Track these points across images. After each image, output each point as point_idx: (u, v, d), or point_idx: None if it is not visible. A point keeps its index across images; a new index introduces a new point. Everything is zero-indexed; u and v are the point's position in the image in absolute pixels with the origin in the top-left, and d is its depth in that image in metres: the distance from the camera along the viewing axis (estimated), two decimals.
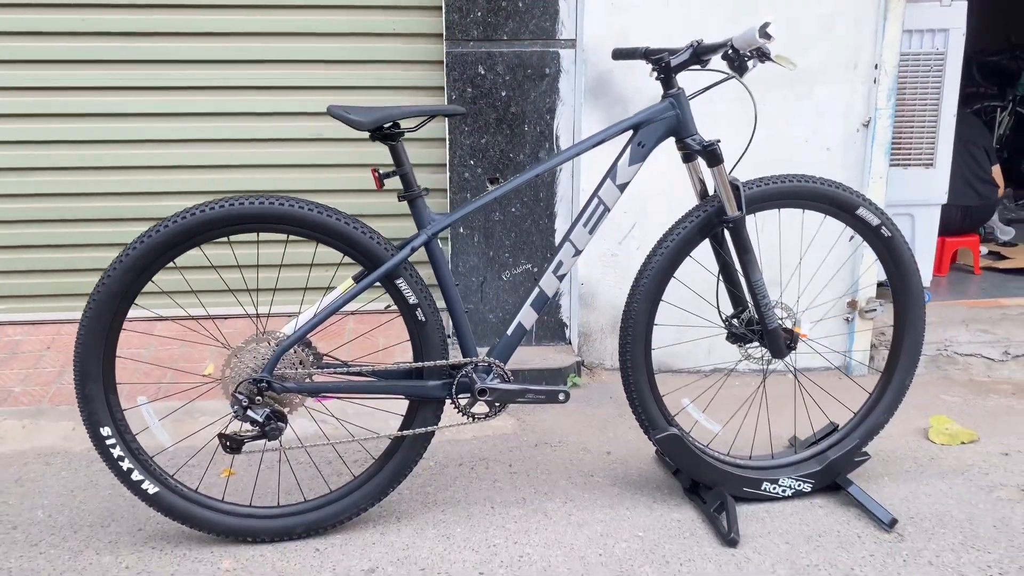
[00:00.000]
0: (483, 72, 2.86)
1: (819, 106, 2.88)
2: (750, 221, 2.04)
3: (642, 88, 2.81)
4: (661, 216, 2.89)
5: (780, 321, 2.06)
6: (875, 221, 2.06)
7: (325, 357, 1.97)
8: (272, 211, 1.82)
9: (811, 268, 2.85)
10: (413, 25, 3.00)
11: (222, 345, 2.03)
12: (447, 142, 2.93)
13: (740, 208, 1.95)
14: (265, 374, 1.84)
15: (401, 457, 1.99)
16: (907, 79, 3.34)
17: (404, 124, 1.87)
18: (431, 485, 2.26)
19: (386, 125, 1.82)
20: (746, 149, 2.01)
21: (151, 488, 1.91)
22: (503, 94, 2.88)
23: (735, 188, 1.95)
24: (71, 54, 2.94)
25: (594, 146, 1.93)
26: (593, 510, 2.12)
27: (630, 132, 1.96)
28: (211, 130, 3.05)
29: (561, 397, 1.99)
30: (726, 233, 2.00)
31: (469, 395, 1.96)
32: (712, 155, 1.93)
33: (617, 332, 2.78)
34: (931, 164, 3.42)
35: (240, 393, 1.85)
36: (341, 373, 1.95)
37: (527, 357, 2.99)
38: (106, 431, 1.87)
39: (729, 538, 1.95)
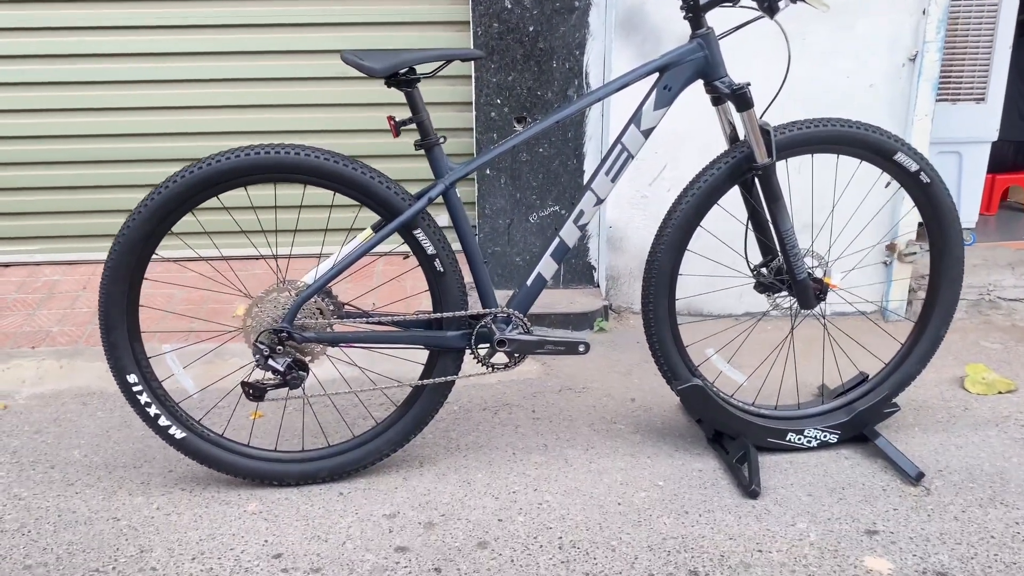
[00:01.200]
0: (510, 6, 2.76)
1: (863, 40, 2.74)
2: (780, 165, 1.96)
3: (676, 23, 2.69)
4: (693, 158, 2.80)
5: (810, 271, 2.00)
6: (914, 167, 1.96)
7: (347, 306, 1.97)
8: (287, 161, 1.79)
9: (847, 212, 2.76)
10: None
11: (244, 294, 2.04)
12: (473, 80, 2.86)
13: (770, 154, 1.88)
14: (285, 324, 1.85)
15: (422, 405, 2.00)
16: (960, 9, 3.15)
17: (420, 69, 1.81)
18: (455, 430, 2.28)
19: (401, 71, 1.77)
20: (778, 92, 1.92)
21: (178, 433, 1.95)
22: (531, 29, 2.78)
23: (765, 133, 1.87)
24: None
25: (617, 90, 1.86)
26: (614, 458, 2.13)
27: (656, 75, 1.88)
28: (231, 70, 3.01)
29: (581, 349, 1.97)
30: (755, 180, 1.93)
31: (488, 345, 1.95)
32: (741, 99, 1.84)
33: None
34: (982, 99, 3.24)
35: (261, 343, 1.86)
36: (361, 323, 1.95)
37: (554, 300, 2.97)
38: (133, 378, 1.90)
39: (750, 489, 1.94)
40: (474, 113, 2.89)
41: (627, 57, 2.73)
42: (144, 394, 1.92)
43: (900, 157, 1.96)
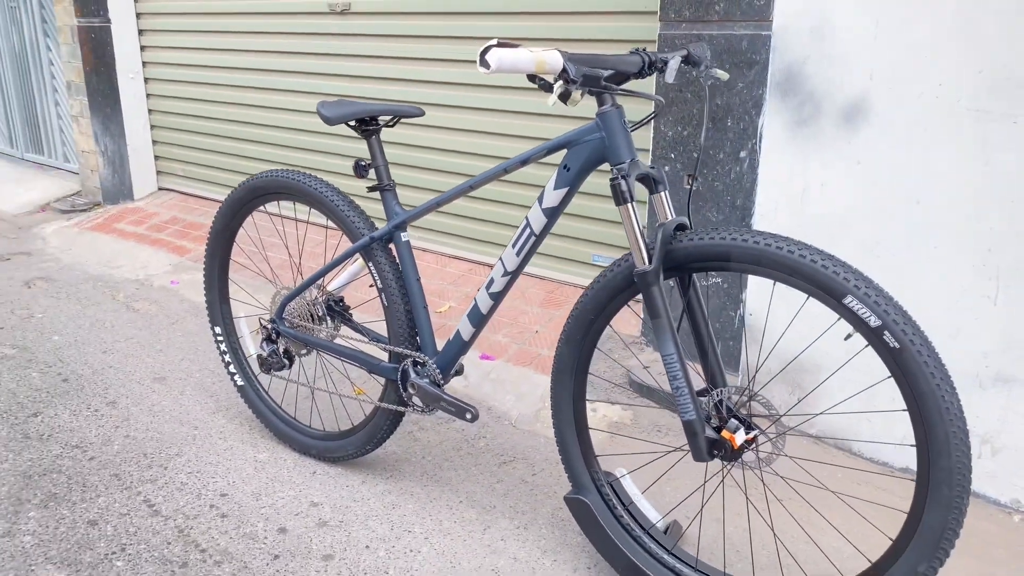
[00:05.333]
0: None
1: None
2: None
3: (841, 87, 2.17)
4: (850, 251, 2.25)
5: (710, 415, 1.59)
6: (874, 320, 1.39)
7: (348, 311, 2.25)
8: (288, 184, 2.16)
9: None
10: (625, 3, 2.82)
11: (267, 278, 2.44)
12: (652, 129, 2.73)
13: (650, 260, 1.55)
14: (274, 316, 2.24)
15: (374, 424, 2.18)
16: None
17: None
18: (451, 460, 2.37)
19: (355, 120, 1.98)
20: (696, 166, 1.55)
21: (239, 381, 2.51)
22: (709, 82, 2.54)
23: (662, 232, 1.56)
24: None
25: (520, 164, 1.75)
26: (534, 547, 2.00)
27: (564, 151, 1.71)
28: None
29: (467, 416, 1.92)
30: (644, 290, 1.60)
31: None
32: (614, 191, 1.56)
33: (787, 380, 2.40)
34: None
35: (264, 325, 2.29)
36: (342, 330, 2.22)
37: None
38: (218, 330, 2.52)
39: None
40: (650, 163, 2.76)
41: (781, 123, 2.31)
42: (223, 343, 2.52)
43: (851, 302, 1.40)
